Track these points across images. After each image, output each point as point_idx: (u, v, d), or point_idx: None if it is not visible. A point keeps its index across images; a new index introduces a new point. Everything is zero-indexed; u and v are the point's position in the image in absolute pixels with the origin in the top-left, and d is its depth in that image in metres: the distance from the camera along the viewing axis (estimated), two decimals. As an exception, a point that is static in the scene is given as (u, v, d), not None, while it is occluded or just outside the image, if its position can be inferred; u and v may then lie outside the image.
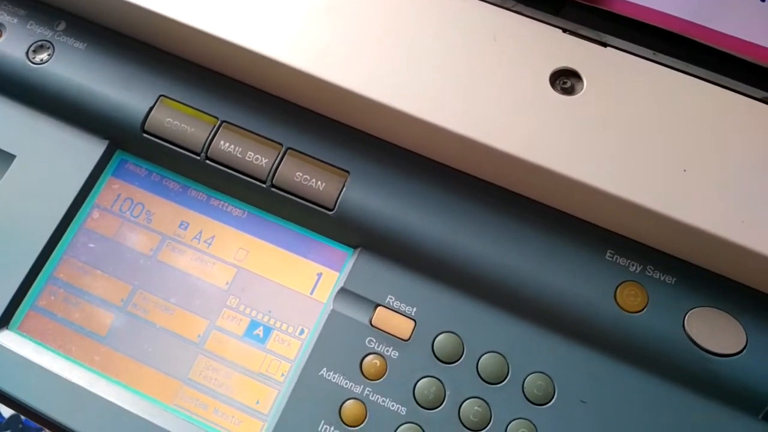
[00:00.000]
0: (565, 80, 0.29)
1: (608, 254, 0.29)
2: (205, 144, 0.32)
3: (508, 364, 0.29)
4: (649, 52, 0.31)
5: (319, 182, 0.31)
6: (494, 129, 0.28)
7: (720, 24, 0.31)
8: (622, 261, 0.29)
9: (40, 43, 0.33)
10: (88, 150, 0.33)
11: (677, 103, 0.29)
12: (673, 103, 0.29)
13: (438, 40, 0.30)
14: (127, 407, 0.29)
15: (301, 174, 0.31)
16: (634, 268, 0.29)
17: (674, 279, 0.29)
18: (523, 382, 0.29)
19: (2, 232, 0.32)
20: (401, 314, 0.30)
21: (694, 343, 0.28)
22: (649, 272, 0.29)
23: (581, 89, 0.29)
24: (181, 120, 0.32)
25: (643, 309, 0.28)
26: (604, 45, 0.30)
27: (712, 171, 0.27)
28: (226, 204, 0.33)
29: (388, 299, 0.30)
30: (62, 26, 0.34)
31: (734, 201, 0.27)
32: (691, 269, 0.29)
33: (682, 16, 0.31)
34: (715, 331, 0.28)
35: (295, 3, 0.30)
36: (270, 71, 0.30)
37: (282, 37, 0.30)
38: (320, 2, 0.30)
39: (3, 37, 0.33)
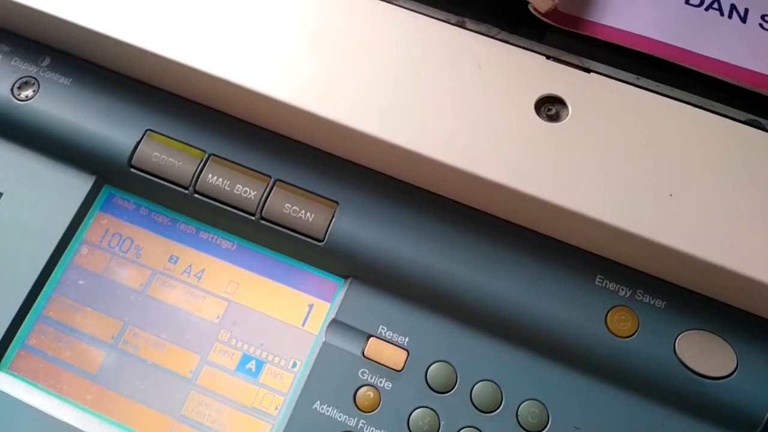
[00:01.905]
0: (550, 107, 0.30)
1: (598, 279, 0.30)
2: (192, 178, 0.32)
3: (501, 392, 0.29)
4: (632, 77, 0.31)
5: (309, 213, 0.31)
6: (480, 157, 0.28)
7: (702, 47, 0.31)
8: (611, 286, 0.29)
9: (24, 79, 0.33)
10: (76, 186, 0.33)
11: (662, 127, 0.29)
12: (657, 127, 0.29)
13: (423, 70, 0.30)
14: (120, 446, 0.29)
15: (290, 206, 0.31)
16: (623, 292, 0.29)
17: (664, 303, 0.29)
18: (517, 410, 0.29)
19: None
20: (394, 344, 0.30)
21: (686, 366, 0.28)
22: (638, 296, 0.29)
23: (566, 116, 0.29)
24: (168, 154, 0.32)
25: (633, 334, 0.29)
26: (588, 71, 0.30)
27: (698, 195, 0.28)
28: (216, 237, 0.33)
29: (380, 329, 0.30)
30: (47, 62, 0.34)
31: (721, 224, 0.27)
32: (681, 292, 0.29)
33: (664, 41, 0.31)
34: (706, 354, 0.28)
35: (279, 34, 0.30)
36: (256, 104, 0.31)
37: (266, 69, 0.30)
38: (304, 32, 0.30)
39: (-13, 75, 0.33)
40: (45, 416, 0.30)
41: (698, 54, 0.31)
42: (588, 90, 0.30)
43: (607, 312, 0.29)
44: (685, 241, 0.27)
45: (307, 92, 0.29)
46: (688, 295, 0.29)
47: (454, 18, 0.32)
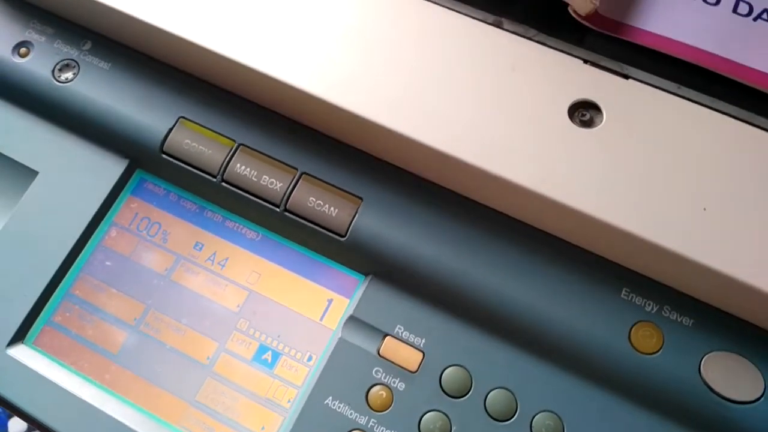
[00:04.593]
0: (584, 112, 0.29)
1: (624, 292, 0.29)
2: (221, 167, 0.32)
3: (516, 401, 0.28)
4: (673, 86, 0.30)
5: (332, 208, 0.31)
6: (509, 161, 0.28)
7: (749, 58, 0.30)
8: (638, 300, 0.28)
9: (66, 62, 0.34)
10: (109, 168, 0.34)
11: (700, 138, 0.28)
12: (695, 138, 0.28)
13: (455, 69, 0.29)
14: (134, 427, 0.30)
15: (314, 199, 0.31)
16: (650, 308, 0.28)
17: (692, 321, 0.28)
18: (532, 421, 0.28)
19: (22, 247, 0.33)
20: (410, 345, 0.30)
21: (710, 388, 0.27)
22: (665, 313, 0.28)
23: (600, 122, 0.29)
24: (199, 142, 0.32)
25: (658, 350, 0.28)
26: (626, 77, 0.30)
27: (732, 211, 0.27)
28: (241, 226, 0.33)
29: (397, 329, 0.30)
30: (88, 46, 0.34)
31: (755, 243, 0.26)
32: (710, 311, 0.28)
33: (709, 50, 0.30)
34: (732, 377, 0.27)
35: (315, 29, 0.30)
36: (289, 97, 0.31)
37: (303, 63, 0.30)
38: (341, 29, 0.30)
39: (30, 55, 0.34)
40: (64, 392, 0.30)
41: (744, 65, 0.30)
42: (625, 96, 0.29)
43: (632, 327, 0.28)
44: (716, 258, 0.26)
45: (341, 89, 0.29)
46: (717, 314, 0.28)
47: (491, 18, 0.31)
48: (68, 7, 0.34)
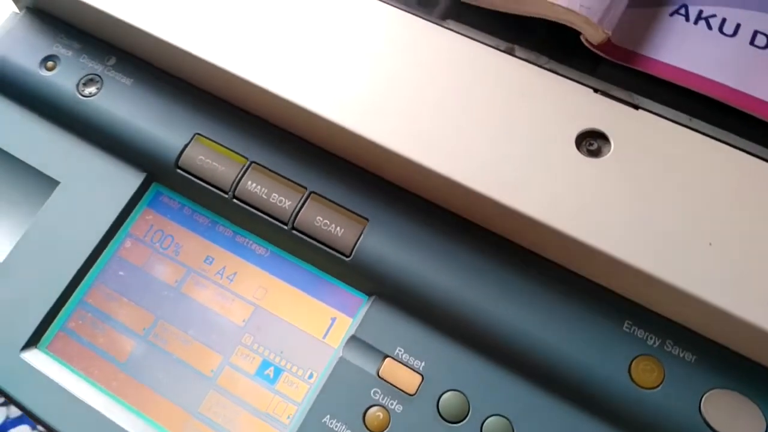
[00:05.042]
0: (591, 142, 0.29)
1: (626, 325, 0.28)
2: (233, 183, 0.33)
3: (513, 429, 0.28)
4: (684, 118, 0.30)
5: (339, 228, 0.31)
6: (512, 188, 0.28)
7: (765, 91, 0.30)
8: (640, 333, 0.28)
9: (90, 76, 0.35)
10: (127, 181, 0.34)
11: (710, 172, 0.28)
12: (705, 172, 0.28)
13: (464, 94, 0.30)
14: (137, 435, 0.30)
15: (321, 218, 0.31)
16: (652, 341, 0.28)
17: (694, 357, 0.27)
18: (527, 450, 0.28)
19: (41, 254, 0.34)
20: (409, 368, 0.30)
21: (710, 427, 0.26)
22: (667, 347, 0.28)
23: (608, 152, 0.28)
24: (213, 158, 0.33)
25: (658, 386, 0.27)
26: (636, 107, 0.29)
27: (739, 247, 0.26)
28: (251, 242, 0.34)
29: (397, 351, 0.30)
30: (112, 61, 0.36)
31: (761, 281, 0.26)
32: (712, 347, 0.27)
33: (723, 82, 0.30)
34: (733, 416, 0.26)
35: (327, 52, 0.31)
36: (302, 119, 0.31)
37: (316, 87, 0.30)
38: (354, 54, 0.31)
39: (57, 69, 0.35)
40: (72, 397, 0.31)
41: (760, 99, 0.30)
42: (634, 127, 0.29)
43: (632, 360, 0.28)
44: (720, 296, 0.26)
45: (354, 114, 0.30)
46: (720, 350, 0.27)
47: (503, 45, 0.32)
48: (95, 24, 0.35)
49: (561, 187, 0.28)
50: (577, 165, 0.28)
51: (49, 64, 0.36)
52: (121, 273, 0.34)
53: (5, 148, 0.36)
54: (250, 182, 0.32)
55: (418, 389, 0.29)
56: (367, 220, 0.31)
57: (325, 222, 0.31)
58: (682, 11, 0.31)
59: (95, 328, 0.33)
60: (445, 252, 0.30)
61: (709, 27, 0.31)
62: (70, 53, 0.36)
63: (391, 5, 0.32)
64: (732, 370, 0.27)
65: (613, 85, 0.30)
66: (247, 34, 0.32)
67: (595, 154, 0.29)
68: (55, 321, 0.33)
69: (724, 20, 0.31)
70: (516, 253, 0.30)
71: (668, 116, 0.29)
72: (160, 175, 0.35)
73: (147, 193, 0.35)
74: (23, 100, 0.36)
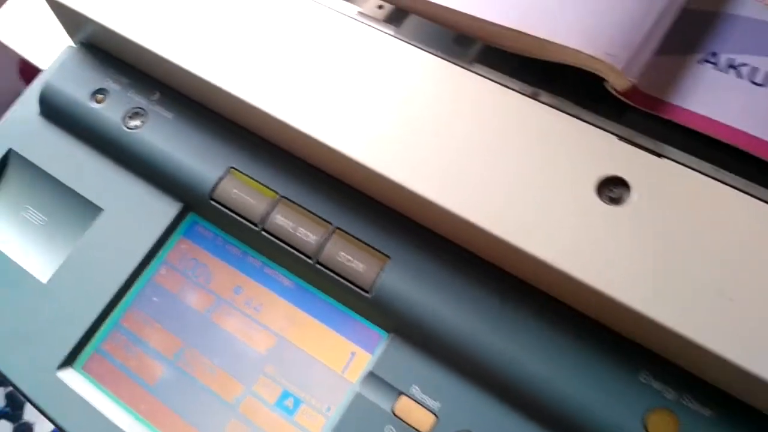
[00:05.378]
0: (612, 189, 0.29)
1: (643, 375, 0.28)
2: (263, 217, 0.34)
3: (524, 474, 0.28)
4: (710, 168, 0.29)
5: (360, 264, 0.32)
6: (530, 232, 0.28)
7: (795, 142, 0.29)
8: (656, 385, 0.28)
9: (135, 110, 0.37)
10: (165, 211, 0.36)
11: (733, 225, 0.27)
12: (728, 224, 0.27)
13: (489, 139, 0.30)
14: (160, 458, 0.32)
15: (344, 254, 0.32)
16: (669, 394, 0.28)
17: (711, 412, 0.27)
18: (538, 497, 0.28)
19: (82, 277, 0.35)
20: (424, 407, 0.30)
21: (726, 486, 0.26)
22: (685, 401, 0.27)
23: (629, 200, 0.28)
24: (245, 192, 0.34)
25: (673, 440, 0.27)
26: (660, 156, 0.29)
27: (762, 304, 0.26)
28: (278, 273, 0.35)
29: (413, 389, 0.30)
30: (157, 96, 0.37)
31: (782, 339, 0.25)
32: (731, 403, 0.27)
33: (752, 132, 0.29)
34: (750, 477, 0.26)
35: (357, 94, 0.32)
36: (332, 158, 0.32)
37: (346, 128, 0.31)
38: (383, 97, 0.32)
39: (105, 102, 0.38)
40: (102, 418, 0.33)
41: (790, 149, 0.29)
42: (657, 176, 0.29)
43: (648, 412, 0.27)
44: (739, 352, 0.25)
45: (376, 152, 0.30)
46: (739, 406, 0.27)
47: (528, 89, 0.32)
48: (141, 61, 0.37)
49: (579, 233, 0.28)
50: (598, 212, 0.28)
51: (99, 96, 0.38)
52: (155, 299, 0.35)
53: (55, 175, 0.38)
54: (279, 216, 0.34)
55: (431, 429, 0.30)
56: (388, 257, 0.32)
57: (348, 258, 0.32)
58: (712, 59, 0.31)
59: (128, 351, 0.35)
60: (464, 292, 0.31)
61: (740, 76, 0.30)
62: (118, 87, 0.38)
63: (422, 49, 0.33)
64: (750, 427, 0.26)
65: (637, 133, 0.30)
66: (282, 76, 0.33)
67: (616, 201, 0.29)
68: (91, 342, 0.35)
69: (755, 69, 0.30)
70: (534, 297, 0.30)
71: (693, 166, 0.29)
72: (196, 206, 0.36)
73: (183, 223, 0.36)
74: (73, 130, 0.39)
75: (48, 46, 0.44)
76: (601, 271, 0.27)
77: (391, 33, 0.34)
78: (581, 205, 0.28)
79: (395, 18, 0.37)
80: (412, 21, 0.35)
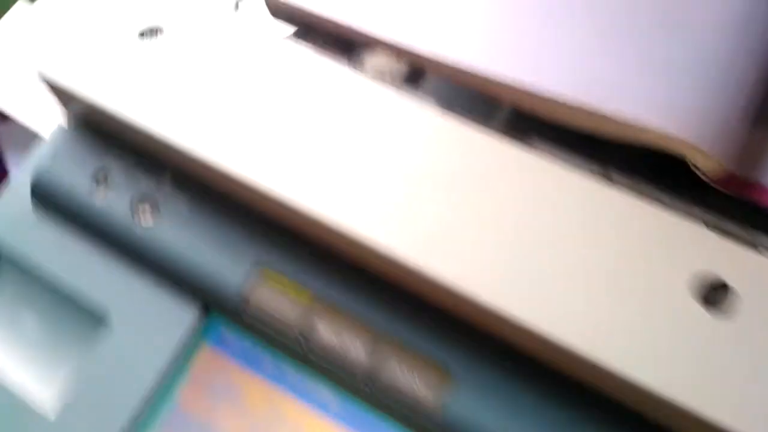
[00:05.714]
0: (710, 289, 0.25)
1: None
2: (299, 324, 0.30)
3: None
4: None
5: (418, 379, 0.28)
6: (619, 349, 0.24)
7: None
8: None
9: (144, 198, 0.33)
10: (182, 319, 0.32)
11: None
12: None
13: (554, 227, 0.26)
14: None
15: (398, 367, 0.28)
16: None
17: None
18: None
19: (92, 410, 0.31)
20: None
21: None
22: None
23: (729, 302, 0.25)
24: (276, 295, 0.30)
25: None
26: (755, 246, 0.26)
27: None
28: (318, 387, 0.31)
29: None
30: (166, 182, 0.33)
31: None
32: None
33: None
34: None
35: (393, 182, 0.28)
36: (366, 254, 0.28)
37: (383, 221, 0.27)
38: (429, 188, 0.28)
39: (108, 189, 0.33)
40: None
41: None
42: (753, 270, 0.25)
43: None
44: None
45: (431, 252, 0.27)
46: None
47: (595, 167, 0.28)
48: (148, 145, 0.33)
49: (684, 351, 0.24)
50: (697, 319, 0.25)
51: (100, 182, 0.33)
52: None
53: (52, 279, 0.33)
54: (319, 326, 0.30)
55: None
56: (448, 371, 0.28)
57: (403, 370, 0.28)
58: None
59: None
60: (535, 408, 0.27)
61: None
62: (122, 171, 0.33)
63: (470, 124, 0.29)
64: None
65: (724, 218, 0.27)
66: (315, 164, 0.29)
67: (718, 306, 0.25)
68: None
69: None
70: (622, 415, 0.26)
71: (794, 257, 0.26)
72: (219, 309, 0.32)
73: (204, 329, 0.32)
74: (71, 223, 0.34)
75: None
76: (704, 393, 0.23)
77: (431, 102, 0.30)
78: (678, 314, 0.25)
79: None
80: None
